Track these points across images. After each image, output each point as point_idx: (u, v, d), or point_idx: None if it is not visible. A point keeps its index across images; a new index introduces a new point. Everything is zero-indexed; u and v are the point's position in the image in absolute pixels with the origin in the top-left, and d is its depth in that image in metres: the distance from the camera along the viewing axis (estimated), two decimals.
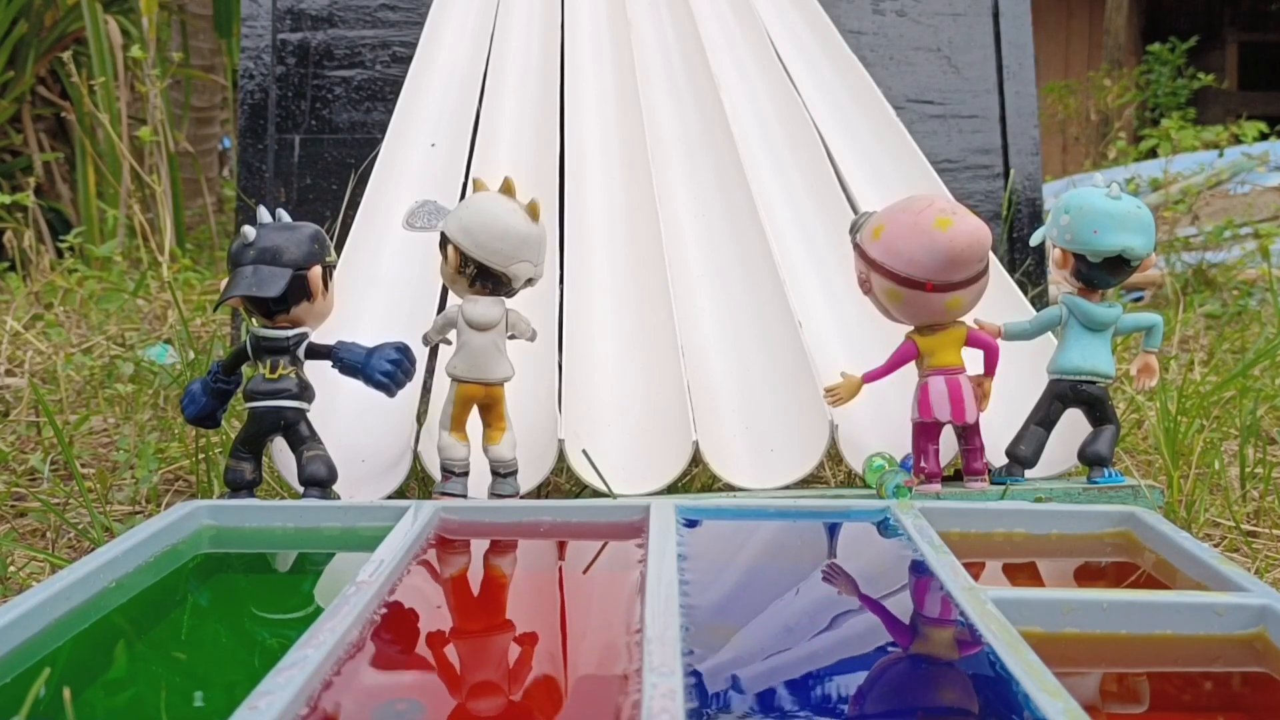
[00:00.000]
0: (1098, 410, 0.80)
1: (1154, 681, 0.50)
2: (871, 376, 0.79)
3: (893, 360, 0.78)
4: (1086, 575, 0.65)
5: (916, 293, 0.75)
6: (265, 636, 0.54)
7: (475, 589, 0.60)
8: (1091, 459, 0.79)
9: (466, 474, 0.77)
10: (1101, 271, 0.78)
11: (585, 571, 0.62)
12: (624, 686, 0.44)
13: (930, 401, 0.76)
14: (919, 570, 0.59)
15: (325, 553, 0.66)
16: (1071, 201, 0.78)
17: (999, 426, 0.84)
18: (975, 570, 0.58)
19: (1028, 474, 0.81)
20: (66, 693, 0.39)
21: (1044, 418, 0.80)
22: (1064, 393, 0.79)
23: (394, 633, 0.51)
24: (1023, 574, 0.65)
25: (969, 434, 0.77)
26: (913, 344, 0.78)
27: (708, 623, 0.52)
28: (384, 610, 0.52)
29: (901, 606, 0.57)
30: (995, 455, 0.81)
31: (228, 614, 0.58)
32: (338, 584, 0.54)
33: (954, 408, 0.76)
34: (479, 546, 0.65)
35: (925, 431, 0.77)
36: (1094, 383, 0.79)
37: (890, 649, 0.51)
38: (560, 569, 0.63)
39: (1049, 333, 0.84)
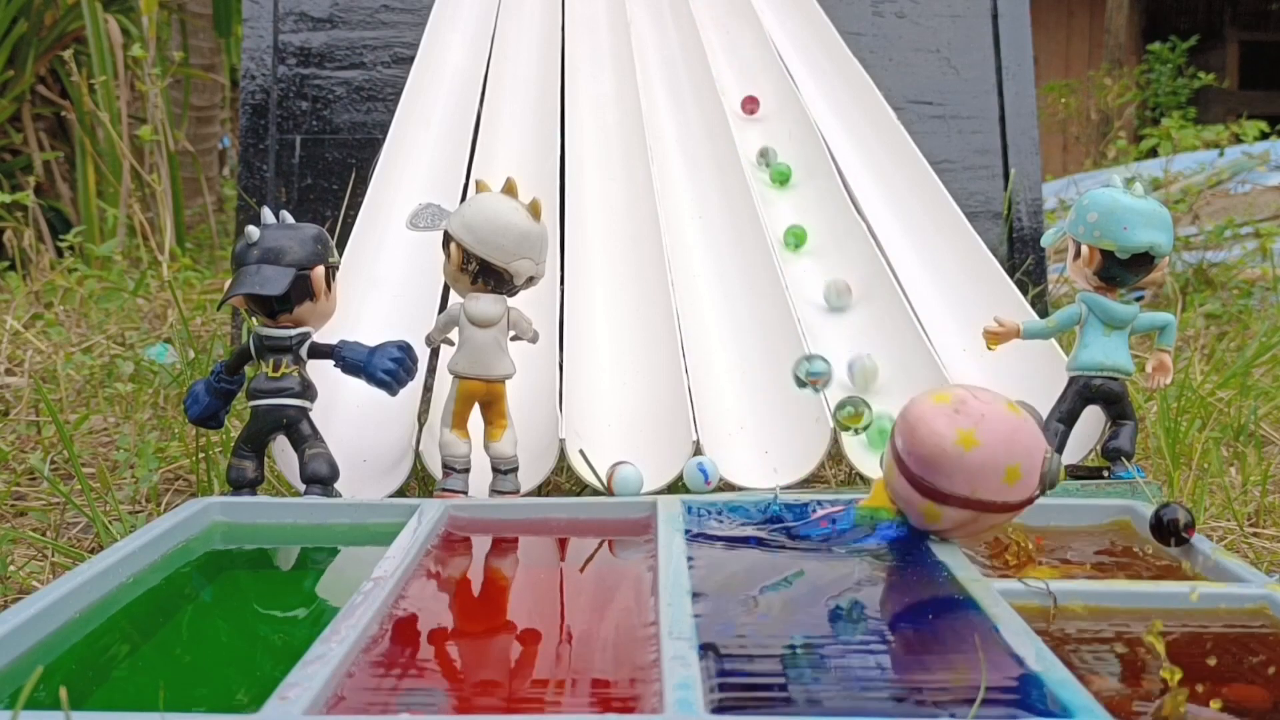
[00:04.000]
0: (1117, 406, 0.80)
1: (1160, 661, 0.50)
2: None
3: None
4: (1085, 567, 0.65)
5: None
6: (282, 631, 0.55)
7: (488, 584, 0.61)
8: (1114, 454, 0.80)
9: (467, 471, 0.77)
10: (1126, 269, 0.79)
11: (596, 568, 0.63)
12: (642, 675, 0.45)
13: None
14: (925, 560, 0.60)
15: (336, 549, 0.67)
16: (1097, 199, 0.79)
17: None
18: None
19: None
20: (63, 692, 0.39)
21: (1066, 414, 0.80)
22: (1086, 389, 0.80)
23: (413, 625, 0.52)
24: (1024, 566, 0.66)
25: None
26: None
27: (717, 613, 0.53)
28: (402, 604, 0.53)
29: (911, 595, 0.57)
30: None
31: (243, 609, 0.59)
32: (351, 579, 0.55)
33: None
34: (490, 543, 0.66)
35: None
36: (1115, 379, 0.80)
37: (901, 636, 0.52)
38: (571, 565, 0.63)
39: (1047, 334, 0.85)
